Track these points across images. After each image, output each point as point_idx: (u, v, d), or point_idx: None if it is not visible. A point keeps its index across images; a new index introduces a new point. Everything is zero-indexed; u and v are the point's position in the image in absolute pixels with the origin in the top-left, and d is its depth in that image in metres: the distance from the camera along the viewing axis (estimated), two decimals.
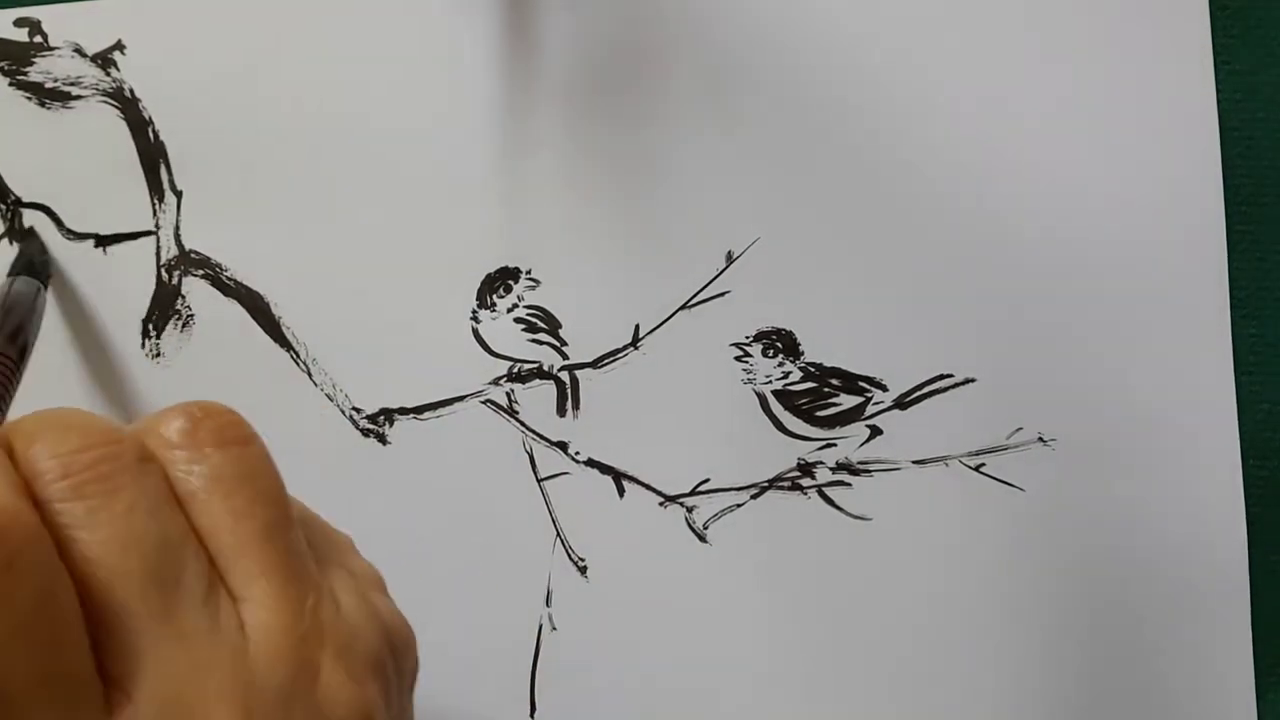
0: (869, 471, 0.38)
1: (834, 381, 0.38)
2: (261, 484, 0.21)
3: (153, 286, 0.40)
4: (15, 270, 0.39)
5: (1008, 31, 0.37)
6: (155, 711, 0.18)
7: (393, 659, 0.22)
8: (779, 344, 0.38)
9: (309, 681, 0.20)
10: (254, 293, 0.40)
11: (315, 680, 0.20)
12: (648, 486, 0.38)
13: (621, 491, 0.39)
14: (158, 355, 0.40)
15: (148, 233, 0.40)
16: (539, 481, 0.39)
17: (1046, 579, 0.37)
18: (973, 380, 0.37)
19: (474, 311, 0.39)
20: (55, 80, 0.40)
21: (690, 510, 0.38)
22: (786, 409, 0.38)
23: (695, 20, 0.38)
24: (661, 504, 0.38)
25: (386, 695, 0.21)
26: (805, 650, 0.38)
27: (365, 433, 0.39)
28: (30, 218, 0.40)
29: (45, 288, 0.39)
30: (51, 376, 0.40)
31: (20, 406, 0.41)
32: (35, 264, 0.39)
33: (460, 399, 0.39)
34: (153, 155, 0.40)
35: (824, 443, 0.38)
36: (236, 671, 0.19)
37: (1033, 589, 0.37)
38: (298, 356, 0.40)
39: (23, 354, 0.35)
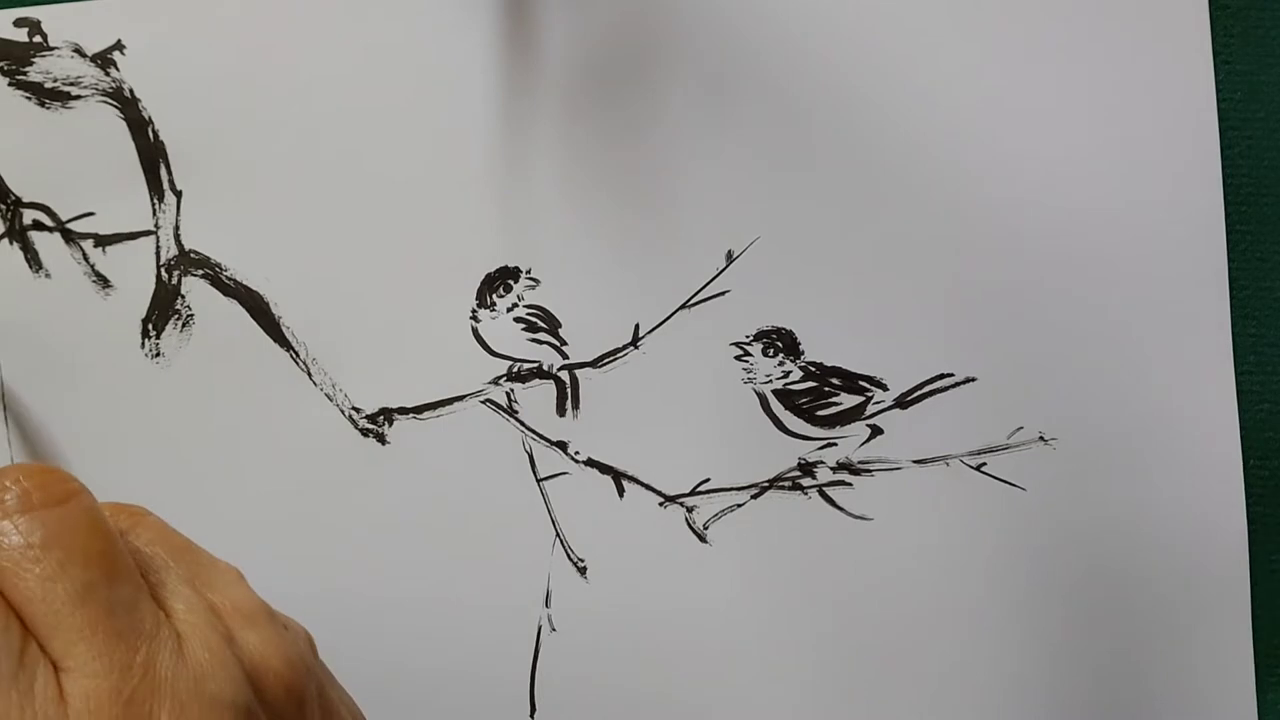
0: (870, 471, 0.38)
1: (834, 381, 0.38)
2: (76, 542, 0.20)
3: (152, 286, 0.40)
4: None
5: (1007, 32, 0.37)
6: None
7: (265, 696, 0.21)
8: (779, 343, 0.38)
9: None
10: (254, 293, 0.40)
11: None
12: (648, 486, 0.38)
13: (621, 491, 0.39)
14: (157, 355, 0.40)
15: (147, 232, 0.40)
16: (538, 481, 0.39)
17: (1047, 578, 0.37)
18: (973, 380, 0.37)
19: (474, 311, 0.39)
20: (55, 80, 0.40)
21: (690, 510, 0.38)
22: (787, 408, 0.38)
23: (696, 20, 0.38)
24: (661, 504, 0.38)
25: None
26: (805, 650, 0.38)
27: (365, 433, 0.39)
28: (30, 217, 0.40)
29: None
30: (52, 377, 0.40)
31: (23, 410, 0.41)
32: None
33: (460, 399, 0.39)
34: (152, 155, 0.40)
35: (824, 442, 0.38)
36: None
37: (1033, 588, 0.37)
38: (297, 356, 0.39)
39: None
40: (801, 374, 0.38)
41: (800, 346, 0.38)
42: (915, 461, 0.37)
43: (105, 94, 0.40)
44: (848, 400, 0.38)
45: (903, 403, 0.37)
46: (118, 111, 0.40)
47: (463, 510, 0.39)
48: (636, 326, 0.38)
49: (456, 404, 0.39)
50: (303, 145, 0.39)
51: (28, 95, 0.40)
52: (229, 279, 0.40)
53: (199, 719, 0.20)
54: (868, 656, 0.38)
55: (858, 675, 0.38)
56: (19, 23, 0.40)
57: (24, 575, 0.19)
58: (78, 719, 0.19)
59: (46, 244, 0.40)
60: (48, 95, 0.40)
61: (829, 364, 0.38)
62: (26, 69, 0.40)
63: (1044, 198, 0.37)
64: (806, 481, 0.38)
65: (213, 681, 0.20)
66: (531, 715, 0.39)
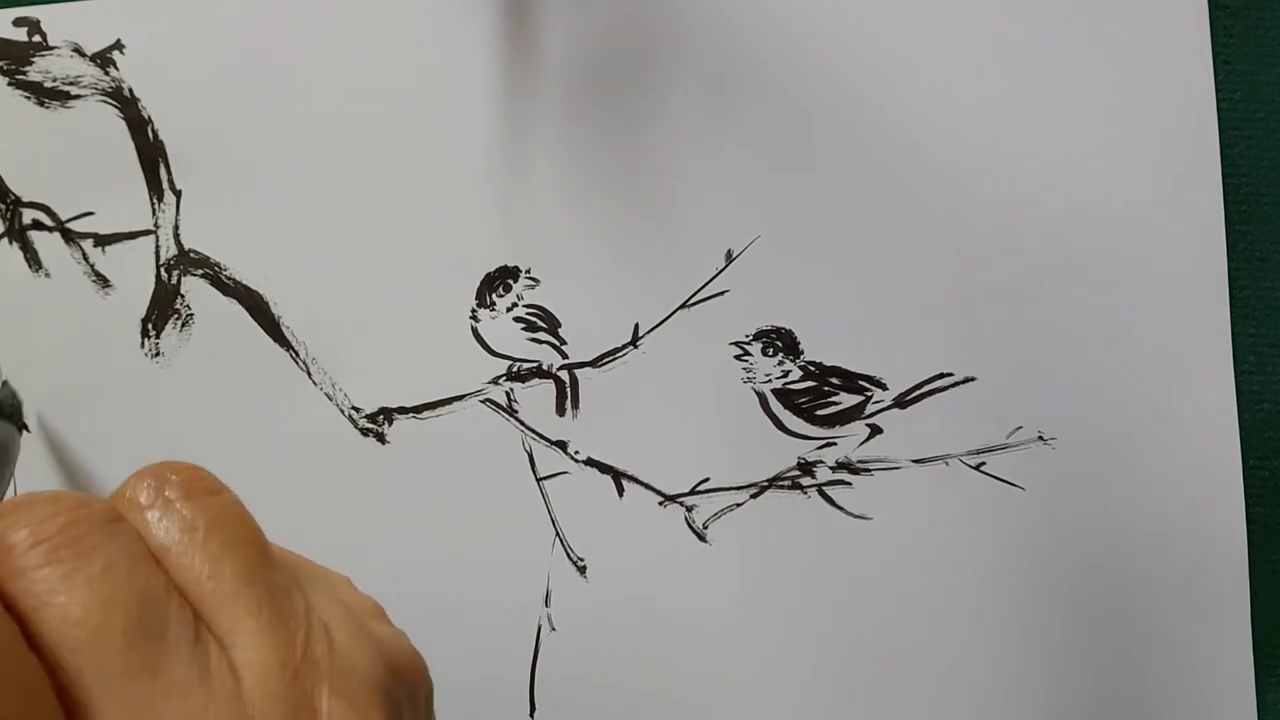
0: (869, 470, 0.38)
1: (834, 380, 0.38)
2: (235, 529, 0.21)
3: (152, 286, 0.40)
4: None
5: (1008, 32, 0.37)
6: None
7: (400, 685, 0.22)
8: (779, 343, 0.38)
9: (310, 717, 0.20)
10: (253, 292, 0.40)
11: (316, 716, 0.20)
12: (647, 486, 0.38)
13: (621, 491, 0.39)
14: (157, 355, 0.40)
15: (147, 232, 0.40)
16: (538, 481, 0.39)
17: (1046, 578, 0.37)
18: (973, 379, 0.37)
19: (473, 311, 0.39)
20: (54, 80, 0.40)
21: (690, 510, 0.38)
22: (786, 408, 0.38)
23: (696, 20, 0.38)
24: (661, 503, 0.38)
25: None
26: (805, 649, 0.38)
27: (364, 432, 0.39)
28: (30, 217, 0.40)
29: (19, 431, 0.38)
30: (52, 376, 0.40)
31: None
32: (5, 408, 0.38)
33: (459, 398, 0.39)
34: (152, 154, 0.40)
35: (824, 442, 0.38)
36: (235, 716, 0.19)
37: (1032, 588, 0.37)
38: (297, 356, 0.39)
39: None
40: (801, 373, 0.38)
41: (800, 346, 0.38)
42: (914, 461, 0.37)
43: (105, 93, 0.40)
44: (847, 400, 0.38)
45: (902, 402, 0.37)
46: (117, 111, 0.40)
47: (463, 510, 0.39)
48: (636, 326, 0.38)
49: (456, 404, 0.39)
50: (303, 145, 0.39)
51: (27, 95, 0.40)
52: (228, 279, 0.40)
53: (354, 701, 0.20)
54: (867, 655, 0.38)
55: (857, 674, 0.38)
56: (18, 22, 0.40)
57: (193, 556, 0.20)
58: (249, 689, 0.19)
59: (46, 243, 0.40)
60: (47, 95, 0.40)
61: (828, 363, 0.38)
62: (26, 68, 0.40)
63: (1044, 198, 0.37)
64: (806, 481, 0.38)
65: (361, 668, 0.21)
66: (531, 714, 0.39)
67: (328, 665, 0.20)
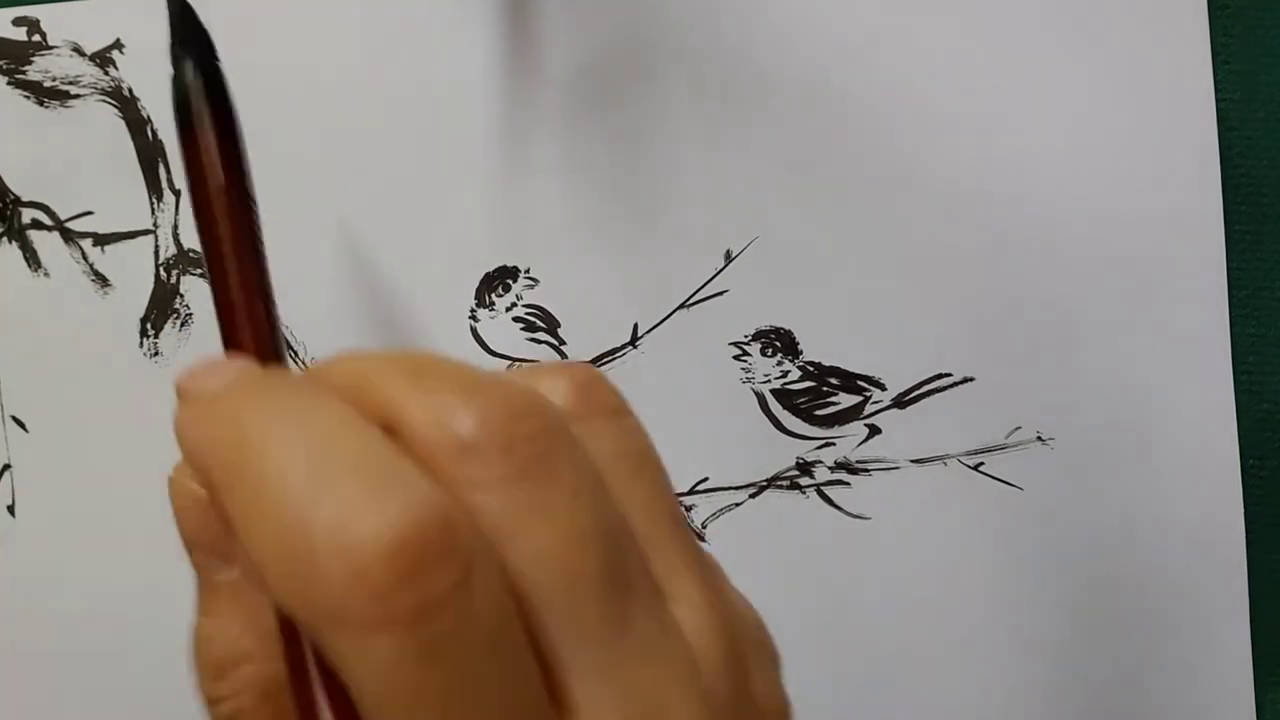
0: (868, 470, 0.38)
1: (832, 380, 0.38)
2: (658, 465, 0.17)
3: (151, 285, 0.40)
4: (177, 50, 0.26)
5: (1007, 31, 0.37)
6: None
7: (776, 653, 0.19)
8: (777, 343, 0.38)
9: (747, 691, 0.17)
10: None
11: (748, 687, 0.17)
12: None
13: None
14: (156, 354, 0.40)
15: (146, 232, 0.40)
16: None
17: (1046, 578, 0.37)
18: (971, 379, 0.37)
19: (473, 311, 0.39)
20: (54, 79, 0.40)
21: (689, 509, 0.38)
22: (785, 408, 0.38)
23: (696, 20, 0.38)
24: None
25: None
26: (803, 649, 0.38)
27: None
28: (29, 216, 0.40)
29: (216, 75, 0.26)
30: (51, 376, 0.40)
31: (8, 404, 0.41)
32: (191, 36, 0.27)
33: None
34: (151, 154, 0.40)
35: (823, 442, 0.38)
36: (694, 684, 0.15)
37: (1032, 588, 0.37)
38: (296, 356, 0.39)
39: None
40: (800, 374, 0.38)
41: (798, 346, 0.38)
42: (913, 461, 0.37)
43: (104, 93, 0.40)
44: (846, 400, 0.38)
45: (901, 402, 0.37)
46: (116, 110, 0.40)
47: None
48: (635, 326, 0.38)
49: None
50: (302, 145, 0.39)
51: (26, 94, 0.40)
52: None
53: (769, 672, 0.18)
54: (865, 655, 0.38)
55: (855, 673, 0.38)
56: (18, 21, 0.40)
57: (626, 487, 0.16)
58: (700, 655, 0.16)
59: (45, 243, 0.40)
60: (46, 94, 0.40)
61: (827, 364, 0.38)
62: (25, 68, 0.40)
63: (1043, 198, 0.37)
64: (805, 481, 0.38)
65: (764, 634, 0.18)
66: None
67: (744, 632, 0.17)
